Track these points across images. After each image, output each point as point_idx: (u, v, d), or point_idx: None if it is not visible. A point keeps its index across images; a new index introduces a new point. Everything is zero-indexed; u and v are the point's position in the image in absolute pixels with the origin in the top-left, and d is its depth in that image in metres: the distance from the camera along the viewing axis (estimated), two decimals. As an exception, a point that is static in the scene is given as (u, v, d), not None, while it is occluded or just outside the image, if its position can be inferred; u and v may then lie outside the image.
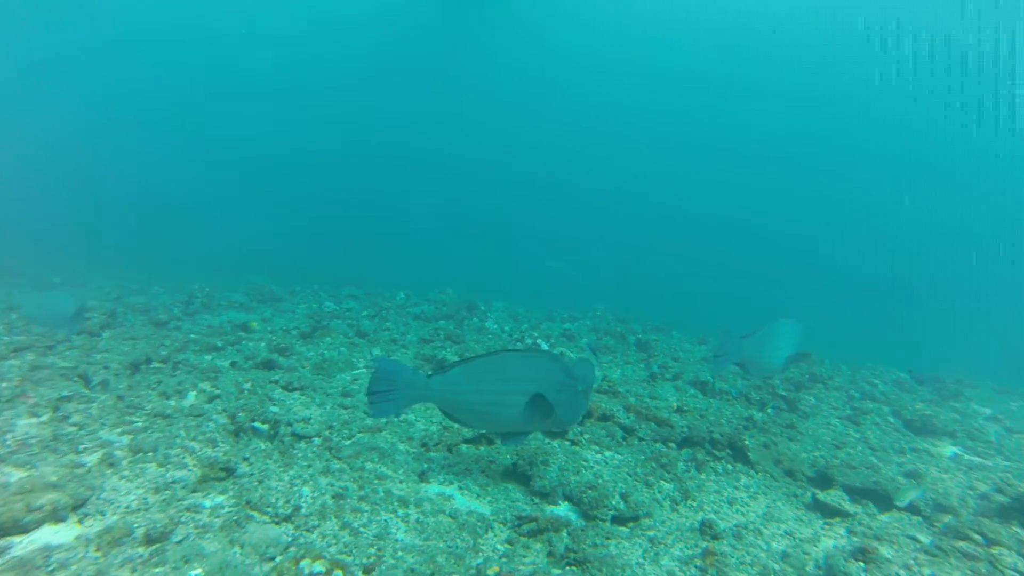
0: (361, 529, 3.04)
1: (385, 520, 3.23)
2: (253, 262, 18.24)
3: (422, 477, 4.05)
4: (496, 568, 2.88)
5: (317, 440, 4.05)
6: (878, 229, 40.50)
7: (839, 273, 33.88)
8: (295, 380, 5.43)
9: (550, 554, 3.20)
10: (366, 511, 3.24)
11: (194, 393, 4.50)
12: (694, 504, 4.26)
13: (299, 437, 4.02)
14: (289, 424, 4.10)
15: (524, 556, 3.27)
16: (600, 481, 4.21)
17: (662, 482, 4.41)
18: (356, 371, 6.51)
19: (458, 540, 3.22)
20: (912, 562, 3.24)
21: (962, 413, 7.81)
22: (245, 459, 3.44)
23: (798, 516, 4.34)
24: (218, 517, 2.81)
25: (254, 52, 38.60)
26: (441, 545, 3.11)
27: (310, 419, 4.17)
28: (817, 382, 8.39)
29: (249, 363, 6.01)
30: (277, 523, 2.89)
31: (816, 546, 3.84)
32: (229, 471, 3.25)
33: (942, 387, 9.27)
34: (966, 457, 6.32)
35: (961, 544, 3.69)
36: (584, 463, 4.57)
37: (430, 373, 3.28)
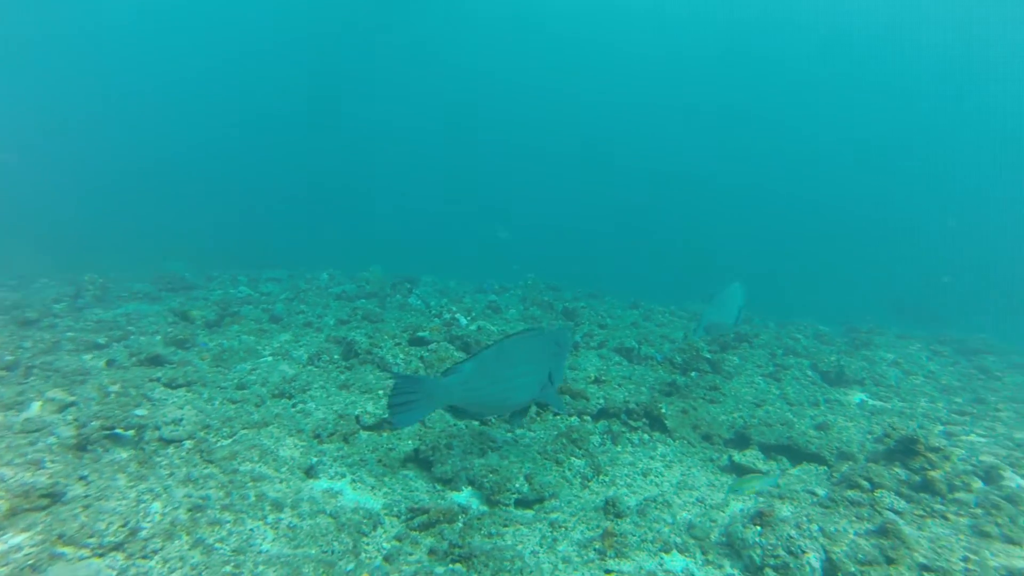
0: (217, 545, 2.66)
1: (251, 530, 2.86)
2: (176, 248, 16.97)
3: (309, 473, 3.70)
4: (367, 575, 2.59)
5: (188, 443, 3.60)
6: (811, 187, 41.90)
7: (776, 231, 34.99)
8: (183, 376, 4.90)
9: (432, 551, 2.94)
10: (228, 522, 2.86)
11: (39, 403, 3.92)
12: (606, 479, 4.11)
13: (167, 442, 3.56)
14: (156, 428, 3.63)
15: (410, 554, 2.99)
16: (505, 463, 3.98)
17: (573, 459, 4.23)
18: (261, 359, 6.02)
19: (335, 543, 2.91)
20: (805, 519, 3.17)
21: (870, 360, 8.11)
22: (83, 478, 2.97)
23: (711, 481, 4.27)
24: (6, 565, 2.32)
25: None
26: (312, 552, 2.79)
27: (182, 420, 3.71)
28: (743, 341, 8.48)
29: (133, 360, 5.40)
30: (100, 555, 2.47)
31: (724, 512, 3.76)
32: (53, 497, 2.77)
33: (856, 336, 9.63)
34: (871, 403, 6.53)
35: (850, 493, 3.70)
36: (491, 444, 4.33)
37: (442, 374, 3.18)
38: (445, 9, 33.81)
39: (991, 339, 9.76)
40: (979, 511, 3.58)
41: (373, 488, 3.69)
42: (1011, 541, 3.31)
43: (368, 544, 3.08)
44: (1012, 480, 4.15)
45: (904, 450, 3.98)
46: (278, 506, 3.13)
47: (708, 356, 7.04)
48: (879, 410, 6.23)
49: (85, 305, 8.23)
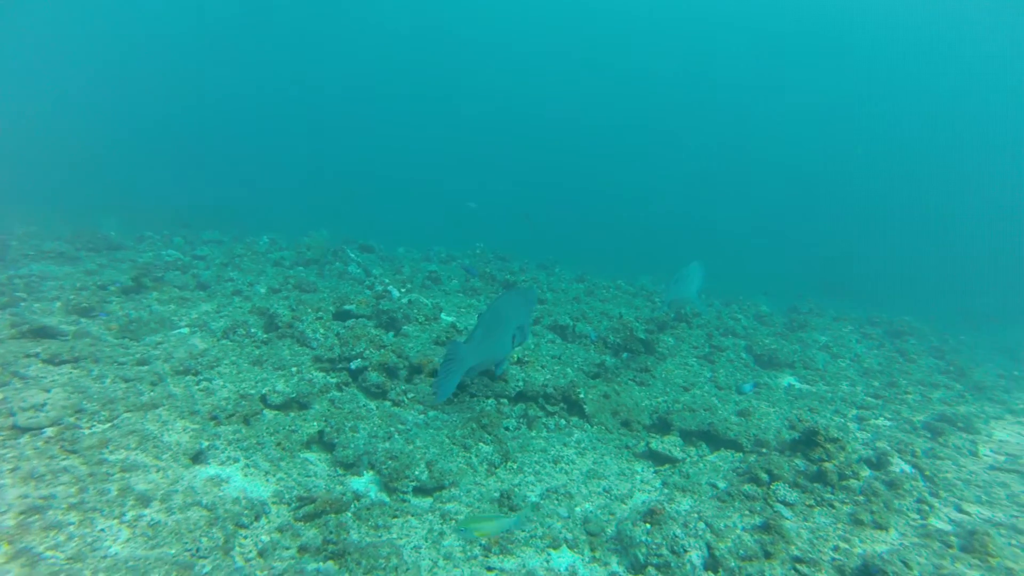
0: (48, 554, 2.42)
1: (100, 531, 2.65)
2: (116, 205, 15.91)
3: (196, 459, 3.49)
4: (221, 579, 2.44)
5: (49, 431, 3.31)
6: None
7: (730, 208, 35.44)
8: (70, 351, 4.46)
9: (302, 548, 2.80)
10: (71, 524, 2.63)
11: None
12: (514, 466, 4.04)
13: (21, 430, 3.28)
14: (11, 415, 3.33)
15: (287, 548, 2.86)
16: (408, 448, 3.86)
17: (481, 444, 4.14)
18: (175, 331, 5.69)
19: (203, 540, 2.74)
20: (695, 516, 3.18)
21: (803, 343, 8.29)
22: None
23: (622, 470, 4.25)
24: None
25: None
26: (171, 552, 2.62)
27: (45, 404, 3.41)
28: (681, 321, 8.52)
29: (13, 331, 4.91)
30: None
31: (626, 504, 3.74)
32: None
33: (795, 318, 9.83)
34: (798, 386, 6.67)
35: (747, 487, 3.74)
36: (400, 427, 4.20)
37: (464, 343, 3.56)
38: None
39: (915, 321, 10.11)
40: (861, 498, 3.67)
41: (267, 474, 3.52)
42: (880, 526, 3.41)
43: (246, 538, 2.93)
44: (898, 466, 4.29)
45: (806, 441, 4.03)
46: (144, 500, 2.92)
47: (643, 336, 7.03)
48: (803, 394, 6.36)
49: (-22, 265, 7.62)
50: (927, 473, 4.13)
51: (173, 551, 2.63)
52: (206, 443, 3.63)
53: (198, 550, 2.68)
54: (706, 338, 8.05)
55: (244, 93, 41.85)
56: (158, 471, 3.24)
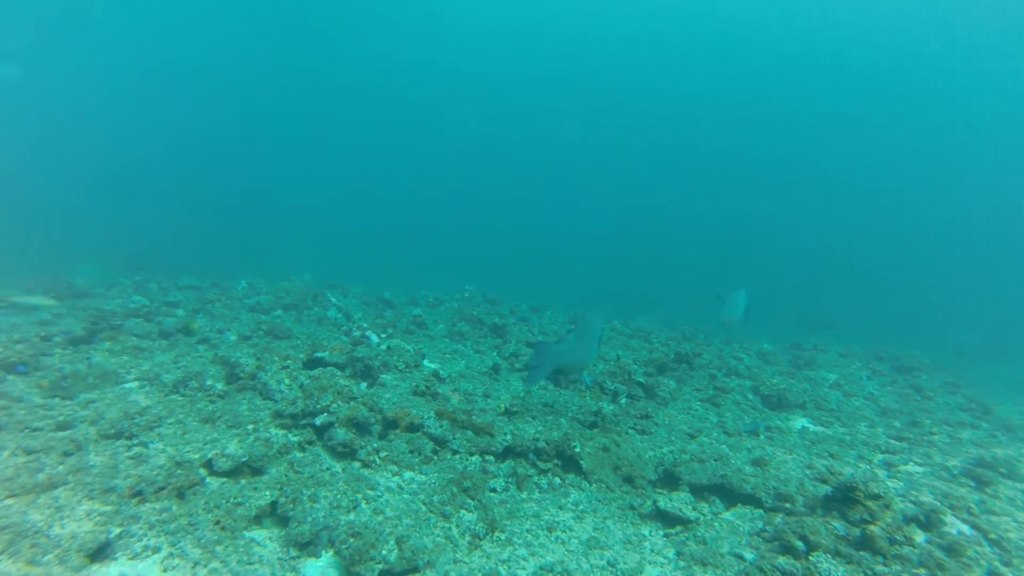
0: None
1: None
2: (96, 252, 15.34)
3: (98, 555, 2.80)
4: None
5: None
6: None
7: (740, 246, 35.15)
8: None
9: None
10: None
11: None
12: (501, 537, 3.41)
13: None
14: None
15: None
16: (376, 520, 3.24)
17: (463, 511, 3.52)
18: (120, 386, 5.07)
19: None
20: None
21: (812, 381, 7.76)
22: None
23: (628, 536, 3.63)
24: None
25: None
26: None
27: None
28: (682, 362, 7.99)
29: None
30: None
31: (636, 581, 3.12)
32: None
33: (799, 355, 9.34)
34: (812, 429, 6.10)
35: (782, 560, 3.13)
36: (369, 492, 3.58)
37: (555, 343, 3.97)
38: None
39: (923, 356, 9.67)
40: (922, 572, 3.07)
41: (196, 565, 2.87)
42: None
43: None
44: (952, 525, 3.71)
45: (843, 498, 3.46)
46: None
47: (642, 380, 6.49)
48: (820, 438, 5.79)
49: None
50: (991, 535, 3.54)
51: None
52: (117, 530, 2.97)
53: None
54: (709, 379, 7.51)
55: (237, 127, 41.69)
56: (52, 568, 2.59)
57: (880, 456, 5.37)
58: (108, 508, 3.08)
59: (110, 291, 10.03)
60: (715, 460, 4.57)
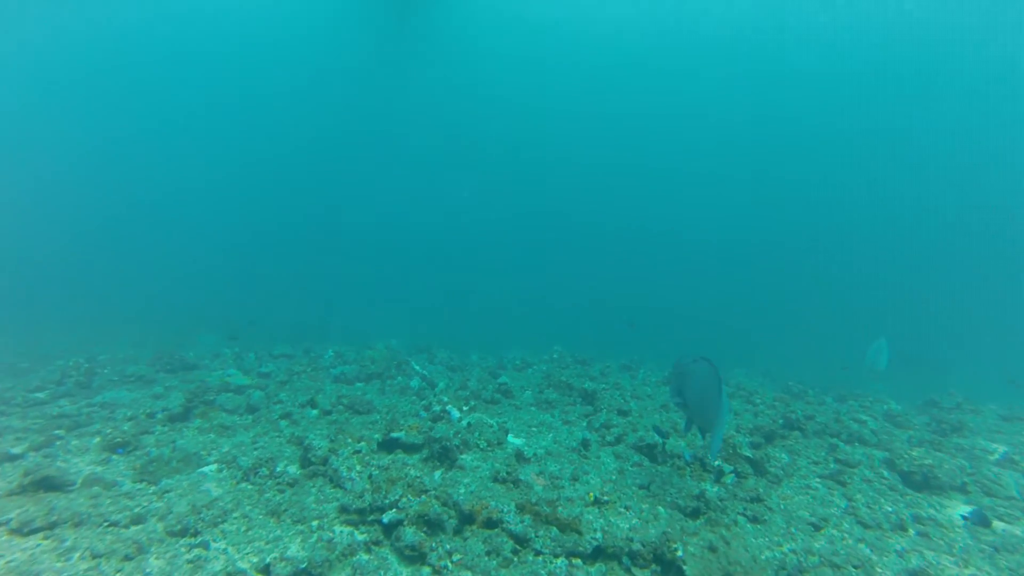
0: None
1: None
2: (213, 315, 16.51)
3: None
4: None
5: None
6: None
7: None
8: (51, 512, 3.65)
9: None
10: None
11: None
12: (591, 674, 2.82)
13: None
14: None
15: None
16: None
17: (545, 640, 2.97)
18: (200, 470, 5.05)
19: None
20: None
21: (969, 455, 6.39)
22: None
23: (752, 673, 2.90)
24: None
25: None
26: None
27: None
28: (793, 428, 6.98)
29: (20, 482, 4.27)
30: None
31: None
32: None
33: (940, 416, 7.88)
34: (993, 526, 4.85)
35: None
36: (438, 612, 3.14)
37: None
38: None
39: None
40: None
41: None
42: None
43: None
44: None
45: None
46: None
47: (748, 454, 5.65)
48: (1004, 541, 4.52)
49: (66, 392, 7.64)
50: None
51: None
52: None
53: None
54: (828, 449, 6.46)
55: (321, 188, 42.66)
56: None
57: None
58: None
59: (215, 362, 10.55)
60: (855, 567, 3.72)
